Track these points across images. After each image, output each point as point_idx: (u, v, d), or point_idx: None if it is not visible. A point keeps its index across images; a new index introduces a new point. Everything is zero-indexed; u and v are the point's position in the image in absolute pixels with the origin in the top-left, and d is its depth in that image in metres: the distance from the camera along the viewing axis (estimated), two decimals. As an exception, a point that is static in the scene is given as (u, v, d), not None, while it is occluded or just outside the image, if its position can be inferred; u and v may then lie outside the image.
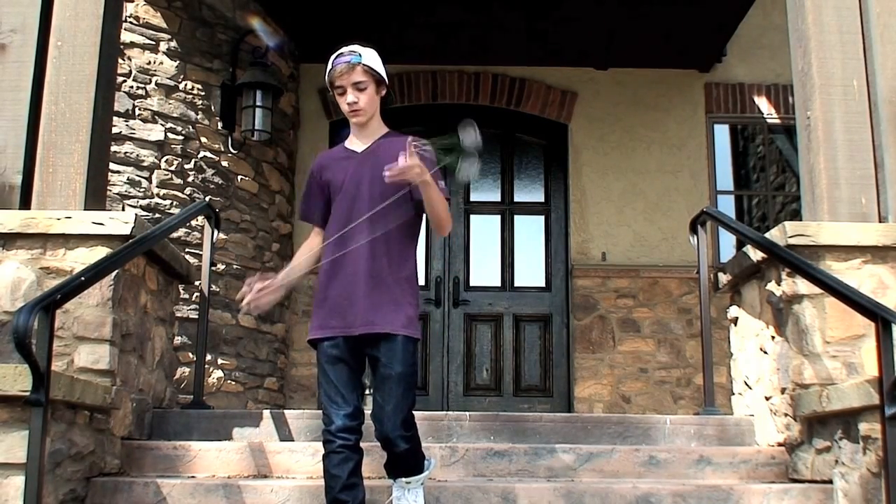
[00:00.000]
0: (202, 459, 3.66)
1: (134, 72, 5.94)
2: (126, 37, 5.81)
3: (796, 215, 7.33)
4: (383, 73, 3.09)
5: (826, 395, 3.20)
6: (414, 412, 3.02)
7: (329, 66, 3.07)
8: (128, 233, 3.52)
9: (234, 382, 6.23)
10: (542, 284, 7.53)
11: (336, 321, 2.97)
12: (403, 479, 3.05)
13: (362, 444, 2.96)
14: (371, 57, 3.06)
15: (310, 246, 3.18)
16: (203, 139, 6.23)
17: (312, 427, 3.94)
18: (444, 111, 7.69)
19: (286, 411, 4.13)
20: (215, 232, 4.59)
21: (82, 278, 3.09)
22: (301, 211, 3.26)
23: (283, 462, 3.64)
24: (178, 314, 5.19)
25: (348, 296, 2.96)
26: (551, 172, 7.73)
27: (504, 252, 7.60)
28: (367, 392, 3.24)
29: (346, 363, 2.97)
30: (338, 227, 3.01)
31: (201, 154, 6.20)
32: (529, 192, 7.76)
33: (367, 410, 3.03)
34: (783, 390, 3.60)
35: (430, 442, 3.67)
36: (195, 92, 6.21)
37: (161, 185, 5.94)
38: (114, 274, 3.47)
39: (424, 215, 3.10)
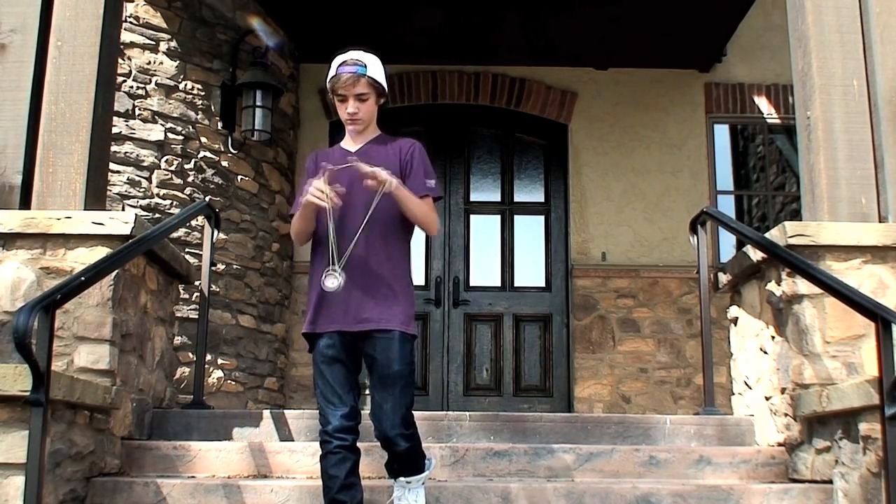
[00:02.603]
0: (202, 459, 3.66)
1: (134, 72, 5.94)
2: (126, 37, 5.81)
3: (796, 215, 7.33)
4: (385, 85, 3.12)
5: (826, 395, 3.20)
6: (414, 412, 3.02)
7: (332, 72, 3.07)
8: (128, 233, 3.52)
9: (234, 382, 6.23)
10: (542, 284, 7.53)
11: (332, 318, 2.97)
12: (404, 479, 3.05)
13: (361, 444, 2.96)
14: (375, 68, 3.07)
15: None
16: (203, 139, 6.23)
17: (312, 427, 3.93)
18: (444, 111, 7.71)
19: (286, 411, 4.13)
20: (215, 232, 4.59)
21: (82, 278, 3.08)
22: (296, 206, 3.16)
23: (283, 462, 3.64)
24: (178, 314, 5.19)
25: (345, 293, 2.96)
26: (551, 172, 7.72)
27: (504, 252, 7.60)
28: (365, 392, 3.24)
29: (343, 363, 2.97)
30: (332, 224, 3.00)
31: (201, 154, 6.20)
32: (529, 192, 7.76)
33: (365, 411, 3.03)
34: (783, 390, 3.60)
35: (430, 442, 3.67)
36: (195, 92, 6.21)
37: (161, 185, 5.94)
38: (114, 274, 3.47)
39: None
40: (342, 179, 3.06)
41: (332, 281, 2.94)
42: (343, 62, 3.06)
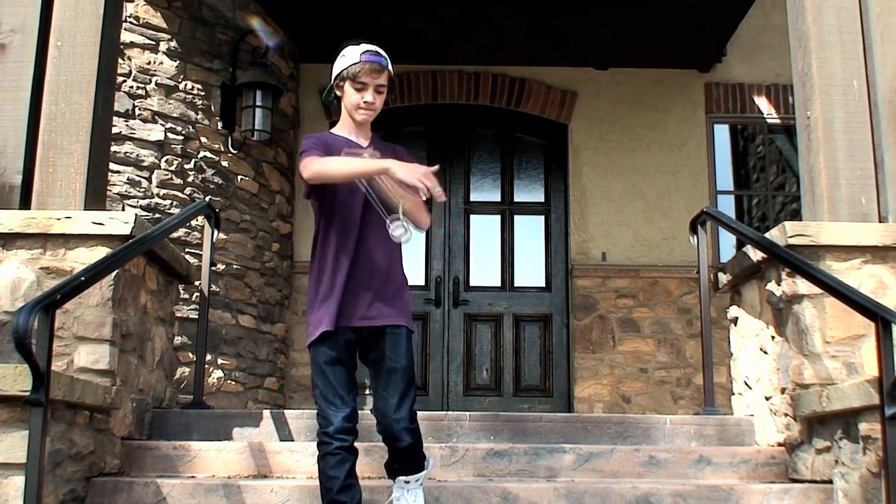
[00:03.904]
0: (202, 459, 3.66)
1: (134, 72, 5.94)
2: (126, 37, 5.81)
3: (796, 215, 7.33)
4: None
5: (826, 395, 3.20)
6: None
7: (353, 59, 3.03)
8: (128, 233, 3.53)
9: (234, 382, 6.23)
10: (542, 284, 7.53)
11: (341, 315, 2.96)
12: (403, 479, 3.05)
13: (360, 444, 2.97)
14: (391, 65, 3.10)
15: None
16: (203, 139, 6.23)
17: (312, 427, 3.92)
18: (444, 111, 7.70)
19: (286, 411, 4.13)
20: (215, 232, 4.59)
21: (82, 278, 3.08)
22: (309, 153, 3.00)
23: (283, 462, 3.64)
24: (178, 314, 5.19)
25: (352, 290, 2.97)
26: (551, 172, 7.73)
27: (504, 252, 7.60)
28: (365, 392, 3.24)
29: (344, 364, 2.97)
30: (340, 220, 3.00)
31: (201, 154, 6.20)
32: (529, 192, 7.76)
33: (363, 410, 3.03)
34: (783, 390, 3.60)
35: (431, 442, 3.67)
36: (195, 92, 6.21)
37: (161, 185, 5.94)
38: (114, 274, 3.47)
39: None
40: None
41: (399, 229, 2.87)
42: (366, 51, 3.05)
